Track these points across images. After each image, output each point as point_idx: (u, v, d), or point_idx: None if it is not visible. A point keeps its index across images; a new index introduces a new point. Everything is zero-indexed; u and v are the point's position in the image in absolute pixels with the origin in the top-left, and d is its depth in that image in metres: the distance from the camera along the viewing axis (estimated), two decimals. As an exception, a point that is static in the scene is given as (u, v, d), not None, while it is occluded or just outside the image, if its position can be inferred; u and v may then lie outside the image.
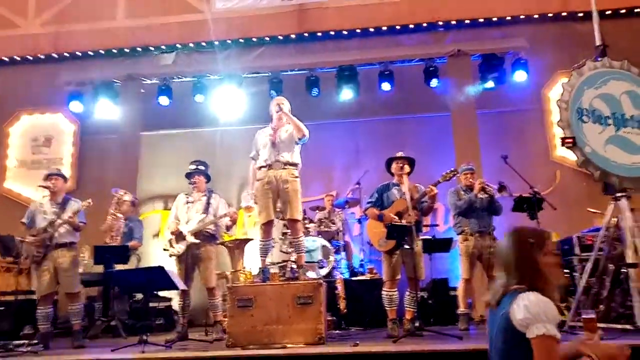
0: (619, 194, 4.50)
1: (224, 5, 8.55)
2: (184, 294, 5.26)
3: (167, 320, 6.76)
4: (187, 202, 5.42)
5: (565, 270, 5.81)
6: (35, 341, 4.97)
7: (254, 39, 8.48)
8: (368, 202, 5.31)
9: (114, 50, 8.67)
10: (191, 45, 8.58)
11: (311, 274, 5.78)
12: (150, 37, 8.60)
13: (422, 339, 4.46)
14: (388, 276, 5.04)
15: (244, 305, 4.42)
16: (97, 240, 6.46)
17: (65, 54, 8.74)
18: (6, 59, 8.88)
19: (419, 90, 8.08)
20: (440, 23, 8.22)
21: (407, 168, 5.20)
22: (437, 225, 7.67)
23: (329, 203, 7.58)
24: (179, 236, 5.29)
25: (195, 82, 8.38)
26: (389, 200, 5.19)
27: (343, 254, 7.04)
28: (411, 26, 8.22)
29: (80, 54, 8.73)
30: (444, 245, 5.94)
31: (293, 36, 8.40)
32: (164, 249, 5.39)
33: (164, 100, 8.31)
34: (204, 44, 8.51)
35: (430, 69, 8.01)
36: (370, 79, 8.15)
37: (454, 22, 8.19)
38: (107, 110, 8.47)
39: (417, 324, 4.77)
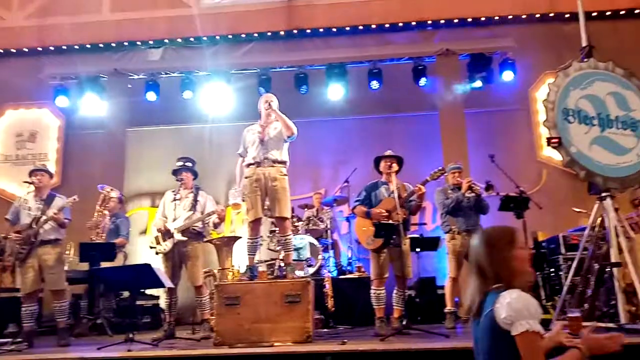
0: (603, 194, 4.55)
1: (212, 1, 8.48)
2: (171, 292, 5.21)
3: (153, 319, 6.74)
4: (175, 199, 5.36)
5: (550, 269, 5.91)
6: (20, 339, 4.90)
7: (243, 35, 8.43)
8: (356, 200, 5.29)
9: (100, 45, 8.54)
10: (179, 40, 8.50)
11: (299, 272, 5.78)
12: (138, 31, 8.50)
13: (410, 337, 4.47)
14: (376, 274, 5.04)
15: (232, 304, 4.40)
16: (83, 237, 6.38)
17: (50, 48, 8.59)
18: (-11, 53, 8.72)
19: (407, 89, 8.10)
20: (429, 22, 8.26)
21: (395, 166, 5.23)
22: (424, 223, 7.73)
23: (318, 201, 7.58)
24: (166, 233, 5.25)
25: (183, 78, 8.31)
26: (377, 198, 5.18)
27: (331, 252, 7.06)
28: (400, 25, 8.24)
29: (65, 47, 8.56)
30: (432, 243, 5.96)
31: (282, 33, 8.36)
32: (151, 247, 5.34)
33: (151, 96, 8.23)
34: (192, 39, 8.43)
35: (419, 67, 8.05)
36: (359, 77, 8.15)
37: (442, 22, 8.23)
38: (94, 106, 8.37)
39: (404, 322, 4.77)
